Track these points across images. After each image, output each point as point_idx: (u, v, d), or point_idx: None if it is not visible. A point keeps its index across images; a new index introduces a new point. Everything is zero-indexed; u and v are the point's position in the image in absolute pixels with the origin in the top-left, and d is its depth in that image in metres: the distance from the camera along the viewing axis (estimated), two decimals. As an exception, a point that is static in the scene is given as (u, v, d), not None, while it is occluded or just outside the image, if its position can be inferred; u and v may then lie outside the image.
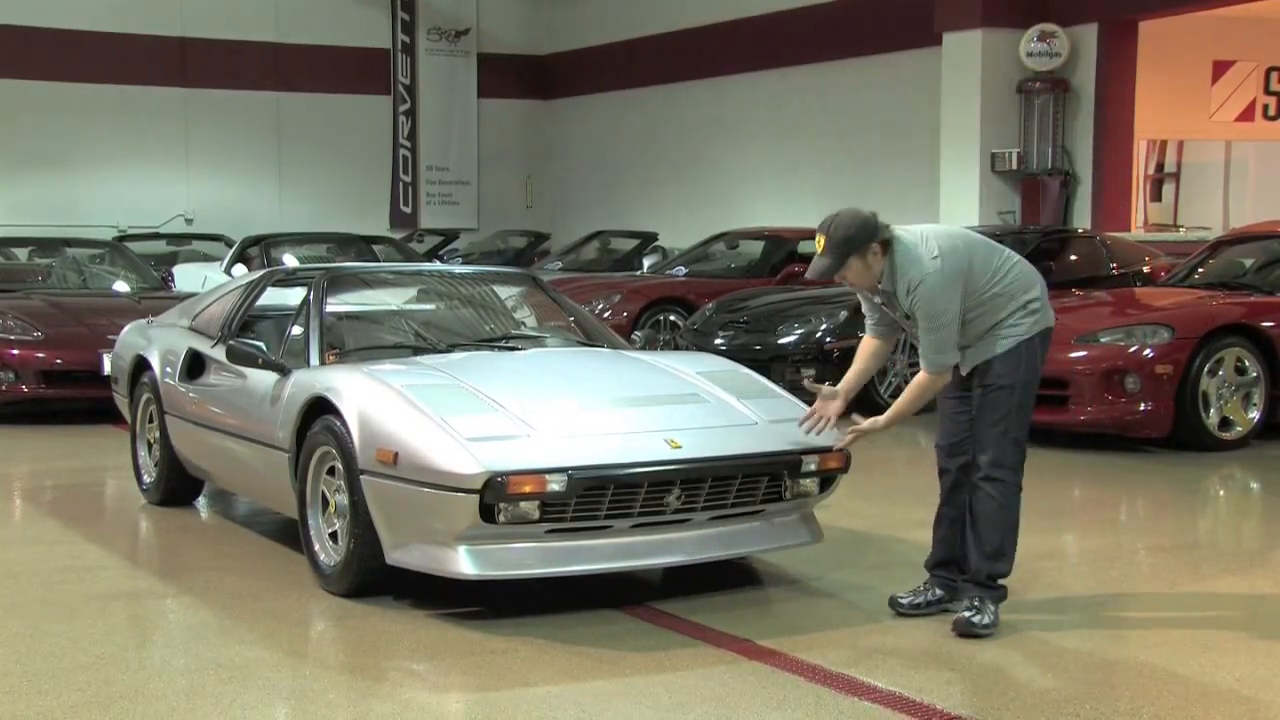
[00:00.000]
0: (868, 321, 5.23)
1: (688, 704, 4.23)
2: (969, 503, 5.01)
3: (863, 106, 18.43)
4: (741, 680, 4.46)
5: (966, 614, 4.91)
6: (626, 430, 5.21)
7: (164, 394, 7.04)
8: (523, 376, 5.64)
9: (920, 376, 4.94)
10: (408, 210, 24.06)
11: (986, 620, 4.88)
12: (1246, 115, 17.88)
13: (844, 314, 10.83)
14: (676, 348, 11.77)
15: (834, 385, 5.23)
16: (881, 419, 5.02)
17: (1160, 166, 19.20)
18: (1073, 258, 11.98)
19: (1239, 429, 8.93)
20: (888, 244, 4.87)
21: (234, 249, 15.15)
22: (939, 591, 5.13)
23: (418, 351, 6.20)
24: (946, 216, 15.66)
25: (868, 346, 5.23)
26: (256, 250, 14.60)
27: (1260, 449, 8.92)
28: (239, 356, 6.17)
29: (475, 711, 4.27)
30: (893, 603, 5.14)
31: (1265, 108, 17.92)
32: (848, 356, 11.74)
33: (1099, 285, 11.05)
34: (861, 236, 4.83)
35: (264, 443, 5.95)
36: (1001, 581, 5.00)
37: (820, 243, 4.87)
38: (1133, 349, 8.79)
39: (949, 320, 4.84)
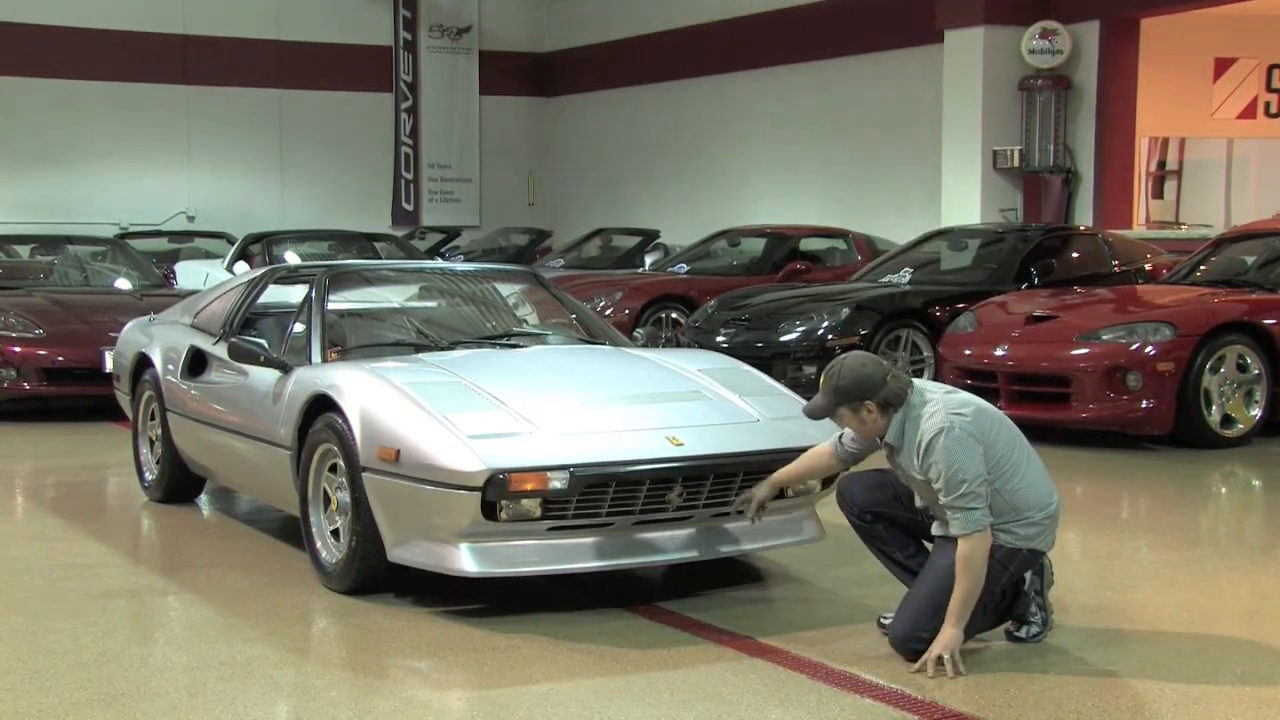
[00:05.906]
0: (841, 441, 4.82)
1: (690, 701, 4.23)
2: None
3: (864, 104, 18.43)
4: (743, 678, 4.46)
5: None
6: (628, 428, 5.21)
7: (166, 391, 7.04)
8: (524, 374, 5.64)
9: (960, 550, 4.40)
10: (409, 207, 24.07)
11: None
12: (1248, 112, 17.88)
13: (846, 311, 10.81)
14: (678, 345, 11.77)
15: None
16: (951, 632, 4.42)
17: (1162, 164, 19.18)
18: (1074, 255, 11.97)
19: (1241, 426, 8.92)
20: (889, 406, 4.50)
21: (236, 246, 15.14)
22: None
23: (419, 349, 6.20)
24: (948, 214, 15.67)
25: (817, 452, 4.94)
26: (258, 248, 14.59)
27: (1262, 446, 8.92)
28: (241, 354, 6.16)
29: (477, 709, 4.28)
30: (879, 623, 4.93)
31: (1267, 105, 17.93)
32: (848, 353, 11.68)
33: (1101, 283, 11.04)
34: (854, 392, 4.48)
35: (266, 440, 5.95)
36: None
37: (822, 380, 4.57)
38: (1134, 346, 8.78)
39: (972, 480, 4.38)
